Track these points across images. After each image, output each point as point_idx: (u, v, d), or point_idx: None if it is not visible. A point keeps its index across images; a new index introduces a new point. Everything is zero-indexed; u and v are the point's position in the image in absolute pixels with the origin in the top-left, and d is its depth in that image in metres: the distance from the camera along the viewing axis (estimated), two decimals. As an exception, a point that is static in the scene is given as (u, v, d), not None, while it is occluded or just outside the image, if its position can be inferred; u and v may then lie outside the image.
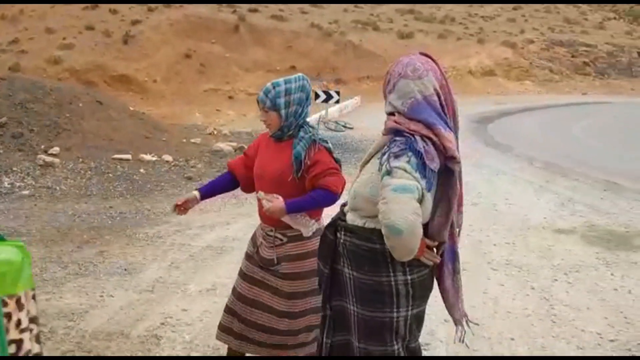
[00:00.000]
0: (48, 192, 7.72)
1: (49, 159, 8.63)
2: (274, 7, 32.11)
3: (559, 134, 15.45)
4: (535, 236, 6.07)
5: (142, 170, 8.88)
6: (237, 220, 6.46)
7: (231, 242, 5.60)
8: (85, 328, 3.70)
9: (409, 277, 2.08)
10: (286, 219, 2.63)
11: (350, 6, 36.68)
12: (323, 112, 16.91)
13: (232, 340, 2.87)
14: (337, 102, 16.89)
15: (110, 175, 8.58)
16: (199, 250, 5.35)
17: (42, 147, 8.92)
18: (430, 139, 1.98)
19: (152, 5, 31.08)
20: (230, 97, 27.99)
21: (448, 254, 2.19)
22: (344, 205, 2.30)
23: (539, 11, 43.10)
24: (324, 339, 2.27)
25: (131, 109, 12.06)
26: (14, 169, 8.27)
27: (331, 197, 2.65)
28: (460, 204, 2.18)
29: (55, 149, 8.91)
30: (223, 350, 3.34)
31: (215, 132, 12.97)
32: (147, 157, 9.45)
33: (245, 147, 10.65)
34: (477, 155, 10.91)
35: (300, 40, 29.60)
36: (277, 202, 2.57)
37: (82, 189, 7.94)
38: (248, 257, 2.90)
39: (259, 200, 2.71)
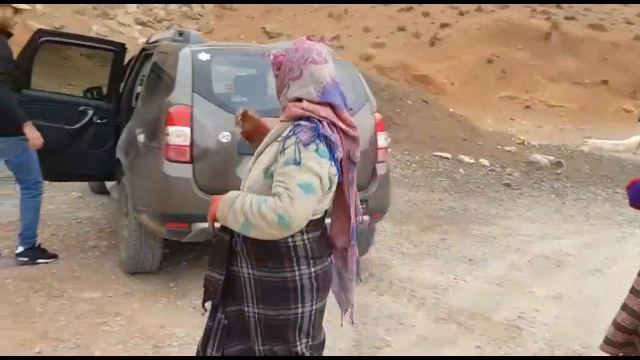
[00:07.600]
0: (383, 177, 8.70)
1: (382, 147, 9.67)
2: (593, 16, 30.07)
3: None
4: None
5: (461, 170, 9.37)
6: (566, 236, 6.43)
7: (566, 256, 5.63)
8: (450, 303, 4.20)
9: (312, 270, 2.03)
10: None
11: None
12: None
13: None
14: (663, 125, 15.09)
15: (433, 170, 9.27)
16: (535, 257, 5.52)
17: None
18: (336, 125, 1.98)
19: (463, 9, 31.76)
20: (527, 107, 27.23)
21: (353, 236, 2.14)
22: None
23: None
24: (212, 351, 2.13)
25: (450, 110, 12.71)
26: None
27: None
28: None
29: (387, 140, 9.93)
30: (582, 353, 3.50)
31: (524, 143, 12.88)
32: (466, 158, 9.92)
33: (562, 161, 10.38)
34: None
35: (619, 52, 27.20)
36: None
37: (410, 179, 8.75)
38: None
39: None
